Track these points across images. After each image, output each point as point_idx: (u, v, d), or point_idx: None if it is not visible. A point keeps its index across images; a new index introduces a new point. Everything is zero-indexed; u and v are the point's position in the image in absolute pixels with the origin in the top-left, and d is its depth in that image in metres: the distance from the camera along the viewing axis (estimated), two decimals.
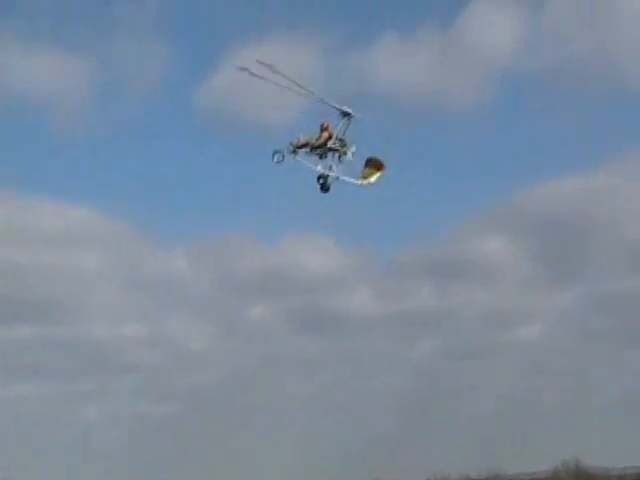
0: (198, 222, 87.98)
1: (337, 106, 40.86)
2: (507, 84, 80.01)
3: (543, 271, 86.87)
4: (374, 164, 41.62)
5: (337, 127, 41.36)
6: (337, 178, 41.71)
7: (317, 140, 41.41)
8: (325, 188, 41.93)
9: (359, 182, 41.90)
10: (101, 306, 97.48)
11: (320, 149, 41.37)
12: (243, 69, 39.88)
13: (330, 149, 41.29)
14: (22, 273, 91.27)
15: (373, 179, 41.78)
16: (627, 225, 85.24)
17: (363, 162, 41.85)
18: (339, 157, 41.52)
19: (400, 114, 79.41)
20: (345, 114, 41.07)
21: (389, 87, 76.58)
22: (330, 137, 41.30)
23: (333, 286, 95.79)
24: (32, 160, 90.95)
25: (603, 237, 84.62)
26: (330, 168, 41.55)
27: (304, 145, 41.61)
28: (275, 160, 41.92)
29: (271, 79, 39.56)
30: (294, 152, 41.64)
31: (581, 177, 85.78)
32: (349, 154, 41.36)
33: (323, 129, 41.42)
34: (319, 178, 41.29)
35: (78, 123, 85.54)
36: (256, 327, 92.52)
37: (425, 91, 79.52)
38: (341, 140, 41.34)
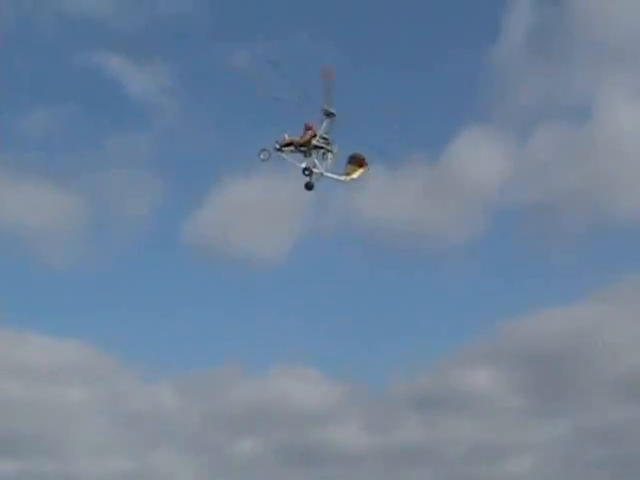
0: (184, 354, 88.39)
1: (322, 106, 42.72)
2: (492, 217, 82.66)
3: (532, 403, 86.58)
4: (356, 161, 43.45)
5: (321, 127, 43.11)
6: (321, 175, 43.26)
7: (301, 138, 43.08)
8: (309, 186, 43.38)
9: (342, 179, 43.56)
10: (86, 440, 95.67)
11: (304, 146, 43.03)
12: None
13: (314, 147, 42.98)
14: (5, 407, 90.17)
15: (356, 175, 43.54)
16: (614, 355, 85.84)
17: (346, 160, 43.48)
18: (323, 155, 43.19)
19: (385, 247, 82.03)
20: (328, 114, 42.96)
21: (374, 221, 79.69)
22: (314, 135, 43.05)
23: (321, 419, 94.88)
24: (17, 294, 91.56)
25: (592, 367, 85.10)
26: (314, 165, 43.10)
27: (289, 144, 43.40)
28: (261, 158, 43.69)
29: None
30: (280, 150, 43.34)
31: (568, 308, 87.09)
32: (333, 151, 43.02)
33: (307, 128, 43.24)
34: (304, 170, 42.79)
35: (67, 256, 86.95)
36: (244, 461, 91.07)
37: (410, 224, 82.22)
38: (325, 139, 43.16)
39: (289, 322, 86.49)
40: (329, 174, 43.42)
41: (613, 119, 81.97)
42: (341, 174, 43.54)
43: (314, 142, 43.03)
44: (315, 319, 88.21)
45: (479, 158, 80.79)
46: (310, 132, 43.20)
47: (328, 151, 43.25)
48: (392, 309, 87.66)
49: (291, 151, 43.43)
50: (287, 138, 43.44)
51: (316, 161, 43.28)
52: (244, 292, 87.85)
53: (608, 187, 78.13)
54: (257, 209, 78.91)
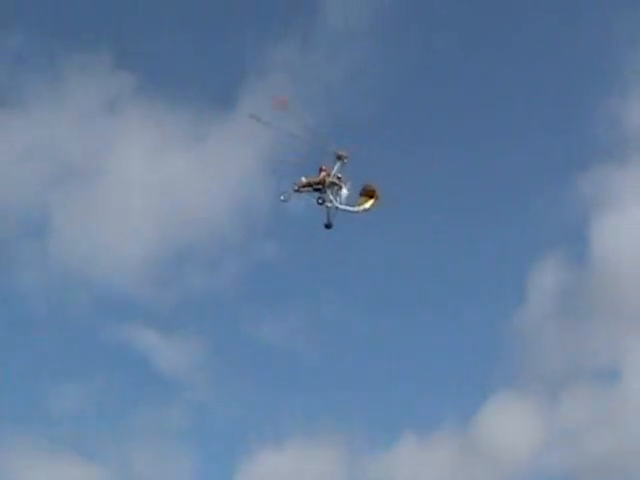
0: None
1: (333, 149, 49.70)
2: None
3: None
4: (368, 192, 49.94)
5: (333, 169, 50.04)
6: (336, 208, 49.76)
7: (316, 178, 49.91)
8: (328, 225, 49.85)
9: (355, 209, 50.00)
10: None
11: (320, 185, 49.76)
12: (252, 116, 49.14)
13: (329, 184, 49.62)
14: None
15: (368, 205, 49.95)
16: None
17: (359, 192, 50.21)
18: (337, 191, 49.83)
19: None
20: (339, 157, 49.95)
21: None
22: (328, 175, 49.84)
23: None
24: None
25: None
26: (330, 200, 49.67)
27: (306, 185, 50.01)
28: (282, 199, 50.30)
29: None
30: (298, 191, 50.01)
31: None
32: (346, 186, 49.74)
33: (322, 170, 50.03)
34: (318, 199, 49.27)
35: None
36: None
37: None
38: (338, 178, 49.84)
39: None
40: (343, 206, 49.85)
41: None
42: (354, 205, 50.07)
43: (328, 180, 49.69)
44: None
45: (509, 425, 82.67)
46: (324, 173, 49.90)
47: (341, 187, 49.91)
48: None
49: (308, 191, 50.08)
50: (304, 180, 50.08)
51: (331, 197, 49.79)
52: None
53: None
54: None
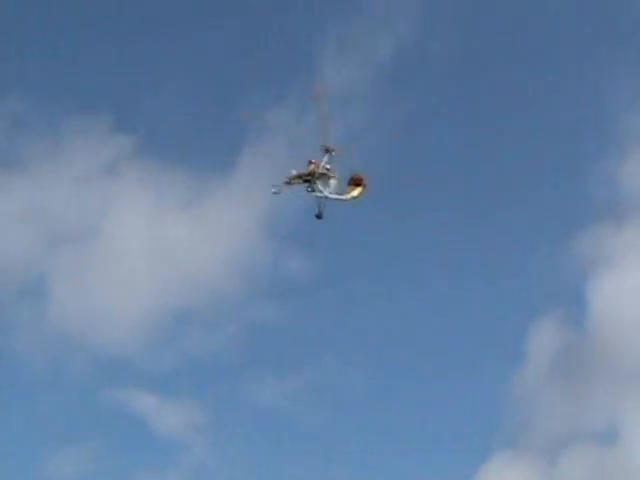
0: None
1: (323, 144, 50.86)
2: None
3: None
4: (355, 180, 51.16)
5: (322, 161, 51.08)
6: (326, 198, 50.61)
7: (306, 170, 50.89)
8: (319, 216, 50.66)
9: (344, 197, 51.07)
10: None
11: (309, 177, 50.71)
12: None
13: (319, 176, 50.66)
14: None
15: (356, 193, 51.37)
16: None
17: (347, 182, 51.11)
18: (326, 181, 50.76)
19: None
20: (327, 150, 51.09)
21: None
22: (317, 167, 50.87)
23: None
24: None
25: None
26: (319, 190, 50.59)
27: (296, 177, 51.05)
28: (274, 191, 51.39)
29: None
30: (289, 183, 50.96)
31: None
32: (335, 177, 50.69)
33: (311, 163, 51.17)
34: (307, 188, 50.32)
35: None
36: None
37: None
38: (327, 169, 50.98)
39: None
40: (332, 195, 51.02)
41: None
42: (343, 193, 50.91)
43: (317, 171, 50.64)
44: None
45: None
46: (313, 165, 51.00)
47: (330, 177, 50.80)
48: None
49: (298, 183, 51.03)
50: (294, 172, 51.17)
51: (320, 187, 50.89)
52: None
53: None
54: None
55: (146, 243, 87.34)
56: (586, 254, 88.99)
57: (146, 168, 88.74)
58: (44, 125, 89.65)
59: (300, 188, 51.03)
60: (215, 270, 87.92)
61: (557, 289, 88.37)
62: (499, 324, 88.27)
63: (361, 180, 51.73)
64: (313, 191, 50.64)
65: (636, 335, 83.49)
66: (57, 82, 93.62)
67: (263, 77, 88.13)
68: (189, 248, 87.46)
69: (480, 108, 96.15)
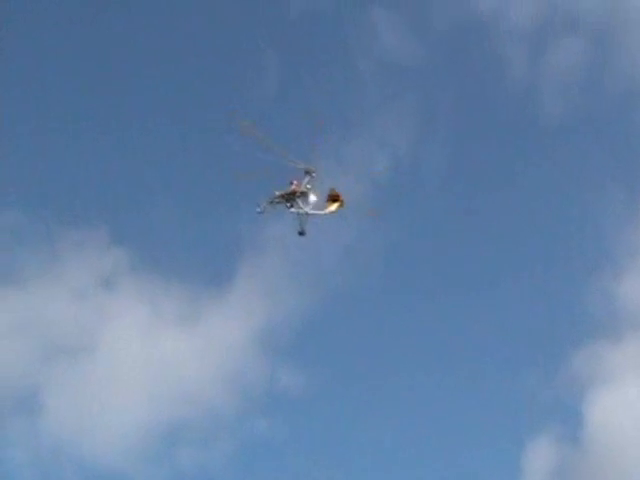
0: None
1: (302, 165, 53.55)
2: None
3: None
4: (332, 196, 53.91)
5: (303, 182, 53.57)
6: (306, 213, 52.76)
7: (288, 189, 53.31)
8: (301, 233, 52.88)
9: (322, 212, 53.37)
10: None
11: (291, 195, 53.03)
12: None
13: (300, 194, 53.09)
14: None
15: (333, 207, 54.15)
16: None
17: (325, 199, 53.55)
18: (305, 199, 53.08)
19: None
20: (307, 172, 53.78)
21: None
22: (299, 186, 53.31)
23: None
24: None
25: None
26: (299, 206, 52.98)
27: (279, 197, 53.41)
28: (258, 211, 53.95)
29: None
30: (271, 203, 53.24)
31: None
32: (313, 195, 53.10)
33: (292, 184, 53.66)
34: (288, 206, 52.72)
35: None
36: None
37: None
38: (308, 188, 53.40)
39: None
40: (312, 211, 53.28)
41: None
42: (321, 209, 53.23)
43: (299, 190, 53.04)
44: None
45: None
46: (294, 185, 53.55)
47: (309, 195, 53.23)
48: None
49: (279, 202, 53.33)
50: (277, 193, 53.60)
51: (301, 204, 53.11)
52: None
53: None
54: None
55: (142, 357, 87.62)
56: (583, 371, 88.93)
57: (142, 282, 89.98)
58: (41, 238, 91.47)
59: (282, 207, 53.34)
60: (209, 384, 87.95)
61: (554, 406, 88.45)
62: (495, 441, 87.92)
63: (338, 196, 54.70)
64: (292, 207, 53.03)
65: (633, 452, 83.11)
66: (53, 195, 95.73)
67: (259, 190, 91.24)
68: (185, 363, 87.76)
69: (473, 228, 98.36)
